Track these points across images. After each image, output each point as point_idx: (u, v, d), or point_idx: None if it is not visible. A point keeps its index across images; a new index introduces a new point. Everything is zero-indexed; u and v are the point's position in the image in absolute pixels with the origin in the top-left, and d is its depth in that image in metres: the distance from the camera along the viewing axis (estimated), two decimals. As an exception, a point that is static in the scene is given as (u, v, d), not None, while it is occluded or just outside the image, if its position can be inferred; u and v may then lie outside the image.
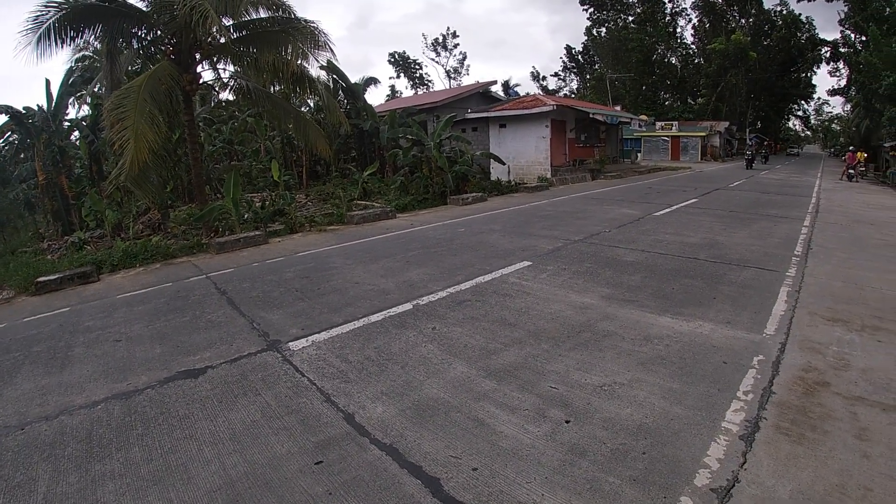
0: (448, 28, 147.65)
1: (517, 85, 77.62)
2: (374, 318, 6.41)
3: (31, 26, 10.85)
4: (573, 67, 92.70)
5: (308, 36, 13.18)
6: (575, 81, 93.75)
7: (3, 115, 22.60)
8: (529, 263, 8.85)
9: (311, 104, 25.01)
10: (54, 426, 4.22)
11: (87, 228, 16.46)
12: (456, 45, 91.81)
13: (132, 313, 7.27)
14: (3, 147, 30.04)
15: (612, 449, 3.55)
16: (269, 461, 3.55)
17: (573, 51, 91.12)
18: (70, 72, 20.43)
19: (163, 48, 13.39)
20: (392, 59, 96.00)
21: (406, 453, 3.57)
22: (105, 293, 8.64)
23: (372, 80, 29.44)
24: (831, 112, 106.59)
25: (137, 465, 3.61)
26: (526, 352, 5.21)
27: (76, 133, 22.85)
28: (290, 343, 5.70)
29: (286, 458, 3.58)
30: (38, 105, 21.10)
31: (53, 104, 20.67)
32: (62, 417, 4.35)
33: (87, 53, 19.12)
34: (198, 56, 13.14)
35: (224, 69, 14.36)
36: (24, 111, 21.79)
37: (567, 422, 3.89)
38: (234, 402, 4.41)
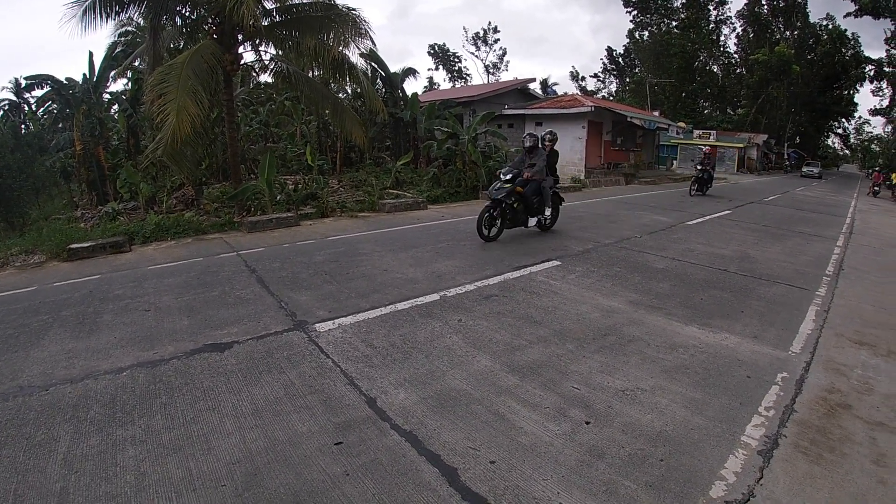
0: (489, 23, 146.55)
1: (555, 84, 77.30)
2: (401, 306, 6.44)
3: (76, -1, 10.97)
4: (613, 69, 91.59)
5: (350, 23, 13.21)
6: (614, 84, 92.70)
7: (45, 84, 23.05)
8: (558, 263, 8.82)
9: (349, 91, 25.03)
10: (78, 389, 4.31)
11: (121, 200, 16.65)
12: (496, 41, 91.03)
13: (162, 285, 7.40)
14: (43, 116, 30.69)
15: (630, 453, 3.54)
16: (290, 438, 3.60)
17: (614, 53, 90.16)
18: (113, 45, 20.66)
19: (206, 27, 13.54)
20: (432, 51, 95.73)
21: (425, 441, 3.59)
22: (136, 263, 8.79)
23: (411, 71, 29.40)
24: (871, 132, 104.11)
25: (159, 432, 3.68)
26: (550, 350, 5.20)
27: (115, 106, 23.19)
28: (317, 324, 5.75)
29: (306, 437, 3.62)
30: (83, 74, 21.42)
31: (95, 76, 20.97)
32: (87, 381, 4.44)
33: (130, 28, 19.37)
34: (240, 37, 13.24)
35: (266, 51, 14.47)
36: (65, 82, 22.18)
37: (587, 423, 3.89)
38: (258, 377, 4.47)
